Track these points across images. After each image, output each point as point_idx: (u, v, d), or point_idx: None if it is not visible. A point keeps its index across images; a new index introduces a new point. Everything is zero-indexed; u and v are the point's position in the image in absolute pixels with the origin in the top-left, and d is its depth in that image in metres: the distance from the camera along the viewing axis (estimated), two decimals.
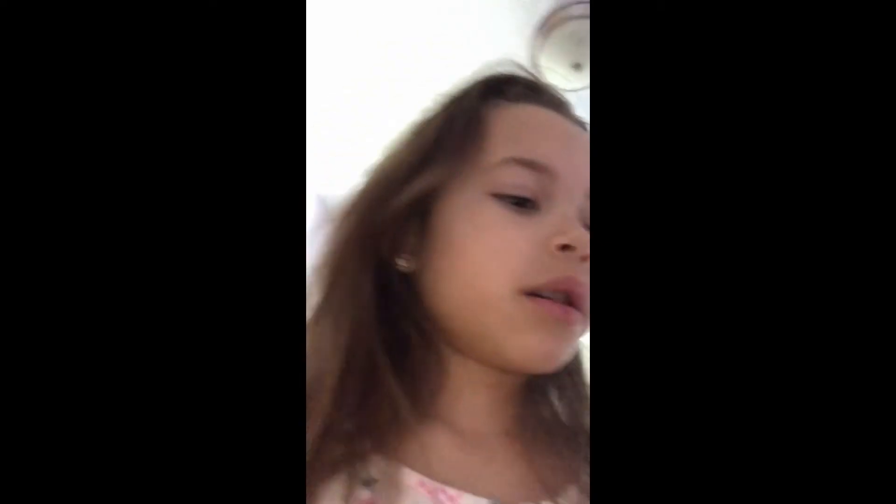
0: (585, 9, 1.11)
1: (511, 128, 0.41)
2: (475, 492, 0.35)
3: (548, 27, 1.14)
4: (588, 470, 0.39)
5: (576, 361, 0.45)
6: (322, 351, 0.38)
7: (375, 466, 0.35)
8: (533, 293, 0.37)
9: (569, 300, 0.37)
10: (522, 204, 0.38)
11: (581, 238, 0.37)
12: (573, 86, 1.16)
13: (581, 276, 0.37)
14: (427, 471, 0.35)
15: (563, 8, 1.13)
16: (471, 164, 0.40)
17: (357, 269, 0.40)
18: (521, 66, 0.47)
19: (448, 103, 0.44)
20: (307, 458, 0.33)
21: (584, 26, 1.11)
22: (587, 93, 1.25)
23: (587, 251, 0.37)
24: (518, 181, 0.38)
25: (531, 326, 0.37)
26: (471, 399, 0.40)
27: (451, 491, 0.35)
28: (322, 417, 0.35)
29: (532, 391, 0.42)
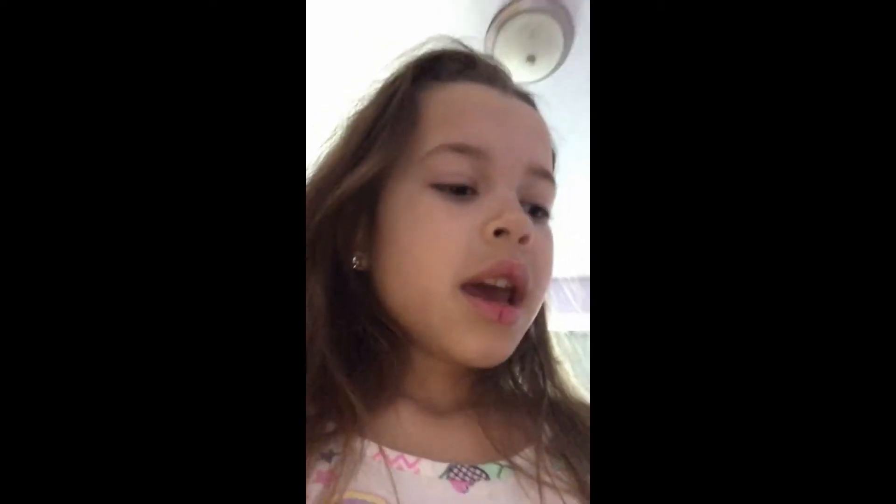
0: (537, 2, 1.13)
1: (443, 111, 0.39)
2: (433, 458, 0.36)
3: (500, 21, 1.16)
4: (547, 432, 0.40)
5: (542, 334, 0.45)
6: None
7: (335, 442, 0.35)
8: (472, 284, 0.36)
9: (512, 287, 0.37)
10: (461, 192, 0.37)
11: (515, 220, 0.35)
12: (529, 78, 1.18)
13: (519, 259, 0.36)
14: (387, 442, 0.36)
15: (512, 4, 1.15)
16: (407, 154, 0.38)
17: (308, 269, 0.39)
18: (455, 41, 0.45)
19: (381, 89, 0.42)
20: None
21: (536, 19, 1.13)
22: (544, 84, 1.28)
23: (524, 232, 0.36)
24: (453, 168, 0.37)
25: (468, 326, 0.36)
26: (434, 381, 0.41)
27: (410, 458, 0.35)
28: None
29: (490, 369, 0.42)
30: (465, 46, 0.45)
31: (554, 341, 0.47)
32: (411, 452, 0.36)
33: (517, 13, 1.14)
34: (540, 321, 0.46)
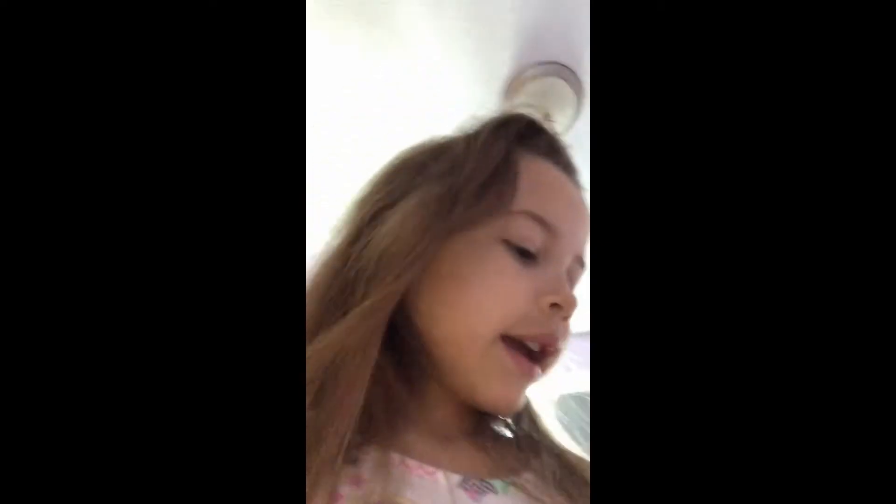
0: (541, 68, 1.16)
1: (534, 182, 0.45)
2: (448, 469, 0.40)
3: (510, 91, 1.18)
4: (543, 464, 0.45)
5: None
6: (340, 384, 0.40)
7: (360, 450, 0.39)
8: (513, 339, 0.41)
9: (540, 354, 0.43)
10: (526, 255, 0.43)
11: (570, 300, 0.42)
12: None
13: (560, 335, 0.43)
14: (408, 454, 0.41)
15: (520, 73, 1.18)
16: (497, 208, 0.43)
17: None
18: (544, 118, 0.53)
19: (482, 136, 0.46)
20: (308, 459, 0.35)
21: (546, 83, 1.16)
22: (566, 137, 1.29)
23: (571, 312, 0.42)
24: (528, 234, 0.43)
25: (500, 374, 0.41)
26: (441, 413, 0.46)
27: (429, 468, 0.40)
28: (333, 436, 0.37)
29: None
30: (552, 128, 0.53)
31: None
32: (429, 463, 0.40)
33: (525, 81, 1.17)
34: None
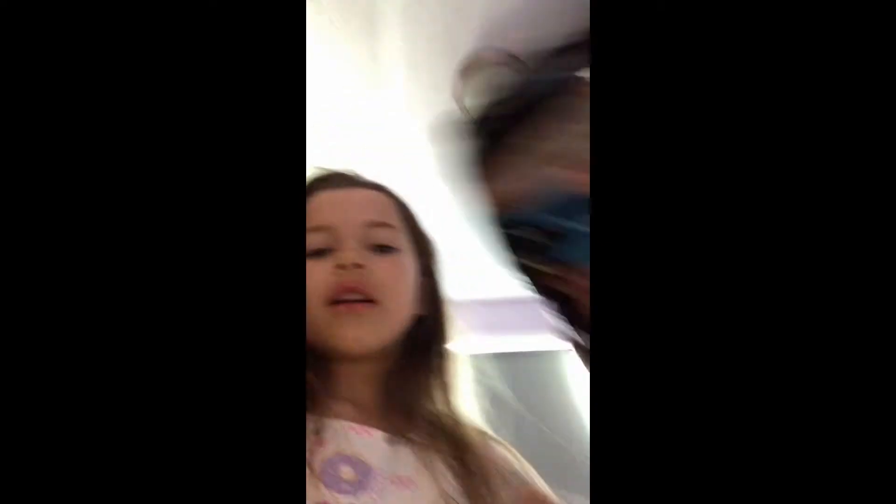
0: (498, 55, 1.15)
1: (312, 210, 0.65)
2: (377, 428, 0.59)
3: (465, 71, 1.17)
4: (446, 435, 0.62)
5: (439, 351, 0.69)
6: None
7: (314, 421, 0.56)
8: (336, 302, 0.61)
9: (361, 298, 0.61)
10: (321, 253, 0.64)
11: (345, 256, 0.63)
12: None
13: (356, 279, 0.62)
14: (350, 419, 0.58)
15: (476, 55, 1.17)
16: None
17: None
18: (319, 168, 0.74)
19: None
20: None
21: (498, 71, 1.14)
22: None
23: (352, 260, 0.62)
24: (314, 242, 0.64)
25: (337, 325, 0.61)
26: (350, 383, 0.64)
27: (368, 428, 0.59)
28: None
29: (392, 377, 0.66)
30: (324, 170, 0.75)
31: (450, 362, 0.69)
32: (364, 424, 0.58)
33: (480, 65, 1.16)
34: (437, 346, 0.69)
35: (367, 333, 0.61)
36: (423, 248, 0.71)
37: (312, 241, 0.63)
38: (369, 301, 0.61)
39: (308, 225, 0.63)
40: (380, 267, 0.63)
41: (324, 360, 0.61)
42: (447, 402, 0.66)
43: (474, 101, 1.16)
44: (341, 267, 0.61)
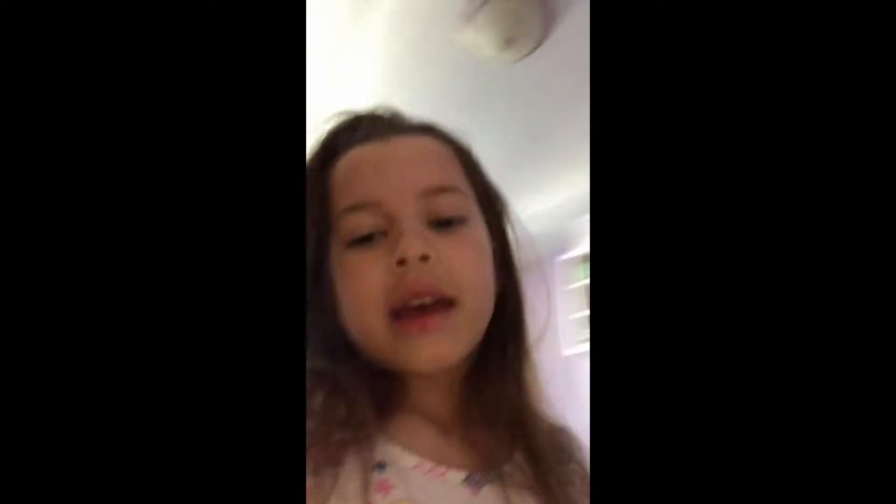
0: None
1: (340, 181, 0.47)
2: (453, 466, 0.43)
3: (466, 16, 1.17)
4: (524, 446, 0.47)
5: (519, 352, 0.50)
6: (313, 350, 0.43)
7: (381, 449, 0.41)
8: (400, 311, 0.42)
9: (429, 307, 0.42)
10: (370, 238, 0.44)
11: (407, 248, 0.42)
12: (511, 58, 1.19)
13: (421, 277, 0.42)
14: (418, 452, 0.43)
15: None
16: (330, 228, 0.46)
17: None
18: (344, 112, 0.53)
19: (307, 173, 0.50)
20: (310, 442, 0.37)
21: (515, 3, 1.14)
22: (522, 65, 1.30)
23: (419, 253, 0.42)
24: (355, 223, 0.44)
25: (405, 344, 0.42)
26: (422, 393, 0.47)
27: (440, 468, 0.43)
28: (317, 410, 0.41)
29: (470, 382, 0.49)
30: (348, 113, 0.53)
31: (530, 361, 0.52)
32: (440, 463, 0.43)
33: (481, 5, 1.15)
34: (516, 339, 0.51)
35: (446, 348, 0.44)
36: (490, 206, 0.51)
37: (352, 224, 0.45)
38: (444, 302, 0.43)
39: (342, 201, 0.46)
40: (450, 250, 0.44)
41: (388, 375, 0.46)
42: (539, 410, 0.51)
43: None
44: (402, 263, 0.42)
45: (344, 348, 0.46)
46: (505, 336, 0.50)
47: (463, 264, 0.45)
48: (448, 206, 0.46)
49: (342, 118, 0.52)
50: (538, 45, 1.19)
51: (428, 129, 0.52)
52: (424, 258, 0.42)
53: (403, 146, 0.49)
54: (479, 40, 1.16)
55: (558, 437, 0.51)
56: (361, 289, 0.44)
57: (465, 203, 0.47)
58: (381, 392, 0.44)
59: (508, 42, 1.15)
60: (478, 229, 0.48)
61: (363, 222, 0.45)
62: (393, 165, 0.47)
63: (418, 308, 0.43)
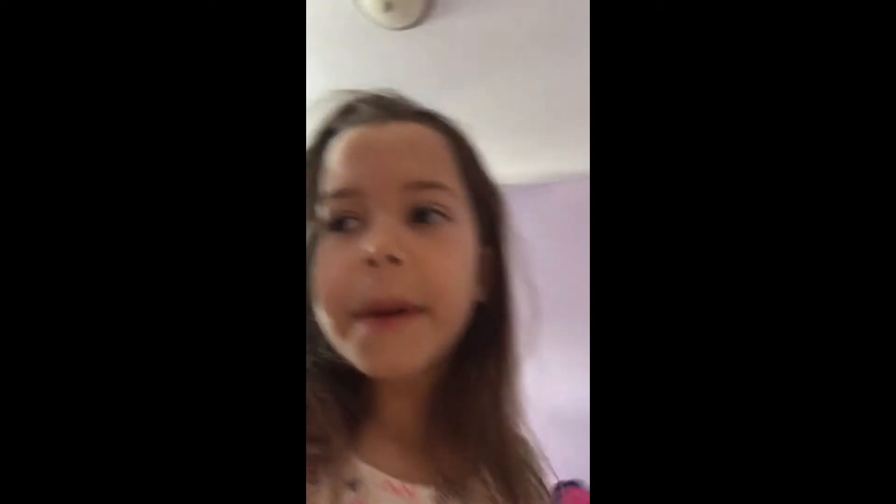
0: None
1: (331, 162, 0.44)
2: (419, 483, 0.42)
3: None
4: (490, 461, 0.45)
5: (502, 368, 0.46)
6: None
7: (351, 467, 0.39)
8: (359, 315, 0.39)
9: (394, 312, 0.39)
10: (346, 225, 0.41)
11: (377, 246, 0.38)
12: (391, 25, 1.07)
13: (388, 286, 0.38)
14: (386, 469, 0.41)
15: None
16: (315, 205, 0.43)
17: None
18: (346, 92, 0.49)
19: (308, 153, 0.47)
20: None
21: None
22: (405, 33, 1.19)
23: (388, 254, 0.38)
24: (336, 208, 0.41)
25: (367, 345, 0.39)
26: (392, 402, 0.44)
27: (408, 485, 0.41)
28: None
29: (442, 396, 0.46)
30: (353, 92, 0.49)
31: (514, 377, 0.48)
32: (404, 479, 0.42)
33: None
34: (498, 353, 0.47)
35: (406, 355, 0.40)
36: (485, 207, 0.47)
37: (333, 209, 0.42)
38: (410, 309, 0.40)
39: (329, 184, 0.43)
40: (426, 252, 0.40)
41: (355, 382, 0.43)
42: (510, 425, 0.48)
43: None
44: (371, 263, 0.39)
45: (317, 343, 0.43)
46: (486, 349, 0.46)
47: (437, 269, 0.41)
48: (431, 202, 0.42)
49: (345, 97, 0.48)
50: (419, 19, 1.08)
51: (425, 117, 0.47)
52: (394, 260, 0.39)
53: (395, 133, 0.45)
54: (366, 4, 1.02)
55: (519, 450, 0.49)
56: (329, 282, 0.41)
57: (451, 201, 0.43)
58: (349, 402, 0.42)
59: (388, 6, 1.03)
60: (462, 231, 0.44)
61: (343, 209, 0.42)
62: (380, 153, 0.43)
63: (383, 315, 0.40)
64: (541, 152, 1.98)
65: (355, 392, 0.42)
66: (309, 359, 0.42)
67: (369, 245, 0.38)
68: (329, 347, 0.42)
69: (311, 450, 0.37)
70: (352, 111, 0.47)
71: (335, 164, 0.43)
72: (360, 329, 0.39)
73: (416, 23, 1.11)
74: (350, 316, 0.39)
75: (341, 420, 0.39)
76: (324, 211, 0.42)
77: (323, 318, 0.41)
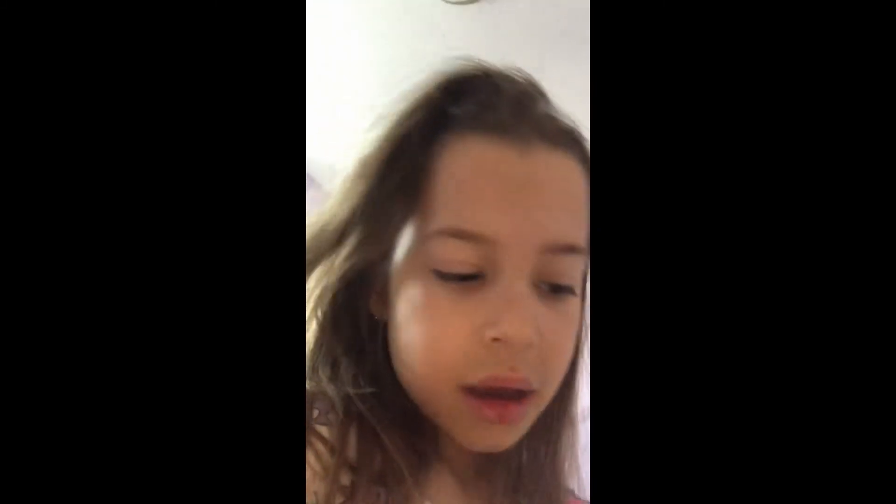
0: None
1: (447, 182, 0.35)
2: None
3: None
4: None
5: (562, 419, 0.44)
6: (319, 402, 0.37)
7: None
8: (471, 388, 0.35)
9: (515, 394, 0.36)
10: (468, 279, 0.34)
11: (513, 328, 0.33)
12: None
13: (516, 369, 0.34)
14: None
15: None
16: (411, 232, 0.36)
17: (326, 325, 0.39)
18: (478, 63, 0.39)
19: (392, 138, 0.37)
20: (343, 496, 0.34)
21: None
22: (466, 9, 1.16)
23: (524, 341, 0.33)
24: (454, 256, 0.34)
25: (471, 424, 0.36)
26: (458, 450, 0.40)
27: None
28: (325, 468, 0.35)
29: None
30: (476, 66, 0.39)
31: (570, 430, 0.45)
32: None
33: None
34: (564, 405, 0.44)
35: (511, 437, 0.37)
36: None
37: (447, 251, 0.35)
38: (523, 398, 0.36)
39: (443, 215, 0.35)
40: (552, 332, 0.36)
41: (423, 420, 0.40)
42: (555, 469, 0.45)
43: None
44: (500, 341, 0.34)
45: (391, 383, 0.39)
46: (554, 407, 0.42)
47: (560, 352, 0.37)
48: (569, 270, 0.37)
49: (465, 68, 0.38)
50: None
51: (570, 140, 0.38)
52: (527, 346, 0.34)
53: (547, 169, 0.36)
54: None
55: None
56: (440, 342, 0.35)
57: (584, 267, 0.38)
58: (416, 439, 0.38)
59: None
60: (579, 300, 0.39)
61: (465, 257, 0.34)
62: (528, 201, 0.35)
63: (491, 393, 0.35)
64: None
65: (423, 432, 0.38)
66: (370, 389, 0.38)
67: (504, 324, 0.33)
68: (398, 393, 0.38)
69: (373, 489, 0.35)
70: (488, 107, 0.37)
71: (457, 187, 0.35)
72: (474, 407, 0.35)
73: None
74: (457, 388, 0.35)
75: (409, 458, 0.36)
76: (435, 249, 0.35)
77: (423, 382, 0.37)
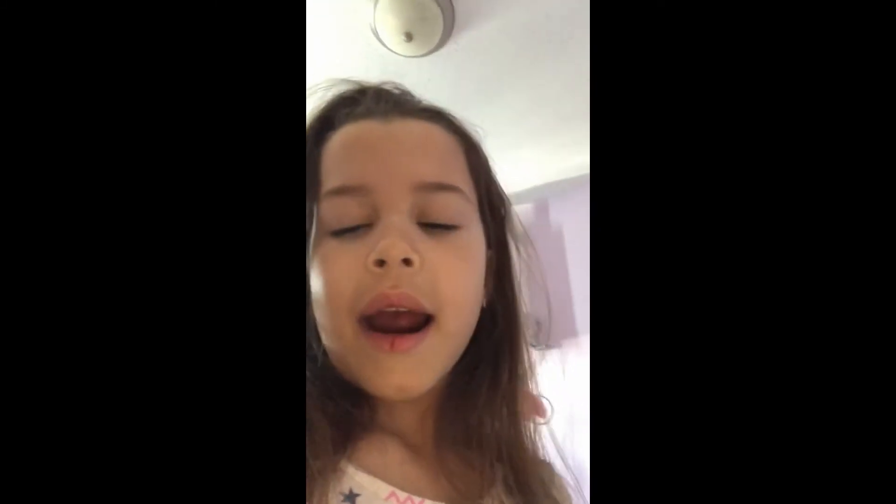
0: None
1: (329, 161, 0.41)
2: (432, 497, 0.39)
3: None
4: (504, 477, 0.43)
5: (513, 377, 0.45)
6: None
7: (349, 478, 0.37)
8: (369, 318, 0.38)
9: (403, 319, 0.38)
10: (357, 229, 0.39)
11: (388, 247, 0.36)
12: (410, 54, 1.13)
13: (400, 286, 0.37)
14: (393, 482, 0.38)
15: None
16: (312, 209, 0.41)
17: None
18: (344, 81, 0.47)
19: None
20: None
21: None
22: (425, 60, 1.25)
23: (401, 256, 0.36)
24: (340, 211, 0.39)
25: (372, 361, 0.38)
26: (400, 413, 0.42)
27: (416, 499, 0.38)
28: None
29: (452, 404, 0.44)
30: (354, 83, 0.47)
31: (523, 371, 0.46)
32: (413, 493, 0.39)
33: None
34: (510, 360, 0.45)
35: (415, 377, 0.38)
36: (492, 209, 0.46)
37: (335, 208, 0.39)
38: (419, 316, 0.38)
39: (329, 181, 0.40)
40: (438, 258, 0.38)
41: (356, 389, 0.41)
42: (530, 445, 0.46)
43: None
44: (381, 264, 0.37)
45: (315, 353, 0.41)
46: (497, 356, 0.44)
47: (449, 277, 0.39)
48: (444, 206, 0.41)
49: (344, 87, 0.46)
50: (438, 45, 1.14)
51: (437, 115, 0.45)
52: (407, 262, 0.37)
53: (405, 130, 0.43)
54: (385, 32, 1.08)
55: (540, 471, 0.47)
56: (333, 285, 0.38)
57: (463, 206, 0.42)
58: (347, 409, 0.39)
59: (407, 36, 1.09)
60: (473, 237, 0.42)
61: (347, 209, 0.39)
62: (390, 150, 0.41)
63: (392, 315, 0.38)
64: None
65: (355, 400, 0.40)
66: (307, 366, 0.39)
67: (380, 247, 0.36)
68: (325, 353, 0.40)
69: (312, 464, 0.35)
70: (353, 103, 0.44)
71: (336, 159, 0.41)
72: (371, 341, 0.37)
73: (436, 48, 1.18)
74: (357, 324, 0.37)
75: (333, 430, 0.37)
76: (326, 210, 0.39)
77: (324, 322, 0.39)
